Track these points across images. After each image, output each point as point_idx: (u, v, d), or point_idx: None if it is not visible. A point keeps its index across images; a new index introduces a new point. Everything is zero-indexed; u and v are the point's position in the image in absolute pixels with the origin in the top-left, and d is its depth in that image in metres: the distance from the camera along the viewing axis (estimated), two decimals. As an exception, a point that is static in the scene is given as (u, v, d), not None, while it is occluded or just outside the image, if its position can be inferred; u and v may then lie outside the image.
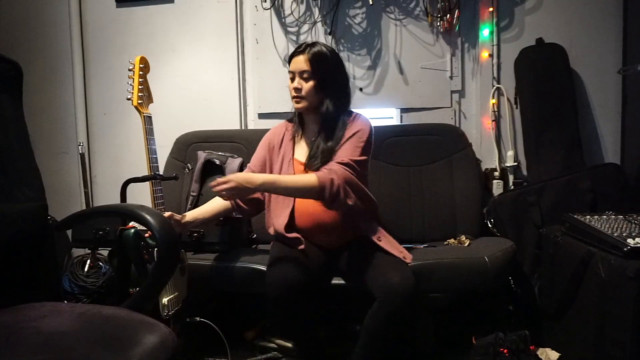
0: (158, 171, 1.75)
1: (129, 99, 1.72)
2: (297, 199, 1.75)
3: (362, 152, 1.70)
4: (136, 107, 1.72)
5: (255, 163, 1.88)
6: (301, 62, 1.72)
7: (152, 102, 1.81)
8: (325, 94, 1.75)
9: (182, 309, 1.70)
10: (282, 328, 1.74)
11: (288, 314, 1.62)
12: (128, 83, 1.74)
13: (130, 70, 1.75)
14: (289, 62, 1.78)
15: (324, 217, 1.72)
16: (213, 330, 1.76)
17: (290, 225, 1.77)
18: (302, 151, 1.81)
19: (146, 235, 1.53)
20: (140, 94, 1.73)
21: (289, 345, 1.82)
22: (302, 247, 1.70)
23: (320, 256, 1.76)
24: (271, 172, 1.84)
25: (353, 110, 1.85)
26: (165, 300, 1.60)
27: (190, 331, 1.74)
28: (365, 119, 1.79)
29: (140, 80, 1.74)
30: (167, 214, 1.66)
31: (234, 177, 1.55)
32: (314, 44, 1.76)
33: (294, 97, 1.75)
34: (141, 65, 1.76)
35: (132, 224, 1.55)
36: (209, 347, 1.91)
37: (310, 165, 1.73)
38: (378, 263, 1.62)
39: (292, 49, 2.56)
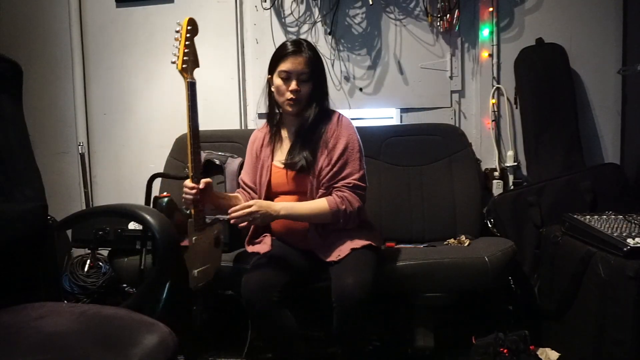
0: (198, 139, 1.61)
1: (173, 62, 1.59)
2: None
3: (360, 165, 1.71)
4: (180, 72, 1.60)
5: (247, 170, 1.84)
6: (300, 63, 1.66)
7: (198, 66, 1.65)
8: (316, 97, 1.71)
9: (213, 281, 1.66)
10: (265, 338, 1.70)
11: (266, 320, 1.56)
12: (174, 46, 1.60)
13: (177, 32, 1.62)
14: (282, 59, 1.69)
15: (295, 223, 1.70)
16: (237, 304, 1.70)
17: (265, 228, 1.79)
18: (281, 156, 1.77)
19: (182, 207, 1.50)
20: (185, 58, 1.59)
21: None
22: (266, 250, 1.69)
23: (303, 259, 1.73)
24: (260, 178, 1.79)
25: (342, 109, 1.83)
26: (195, 272, 1.55)
27: (219, 305, 1.70)
28: (349, 121, 1.75)
29: (186, 43, 1.60)
30: (204, 180, 1.60)
31: (255, 203, 1.56)
32: (308, 43, 1.71)
33: (290, 100, 1.68)
34: (189, 27, 1.61)
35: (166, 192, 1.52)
36: (233, 323, 1.91)
37: (292, 166, 1.70)
38: (338, 267, 1.59)
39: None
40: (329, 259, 1.63)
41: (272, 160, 1.78)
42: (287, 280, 1.59)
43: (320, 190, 1.68)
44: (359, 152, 1.71)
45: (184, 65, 1.59)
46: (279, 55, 1.72)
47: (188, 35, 1.61)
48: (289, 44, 1.72)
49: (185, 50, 1.59)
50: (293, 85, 1.67)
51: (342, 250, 1.63)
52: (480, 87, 2.47)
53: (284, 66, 1.68)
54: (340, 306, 1.49)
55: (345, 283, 1.49)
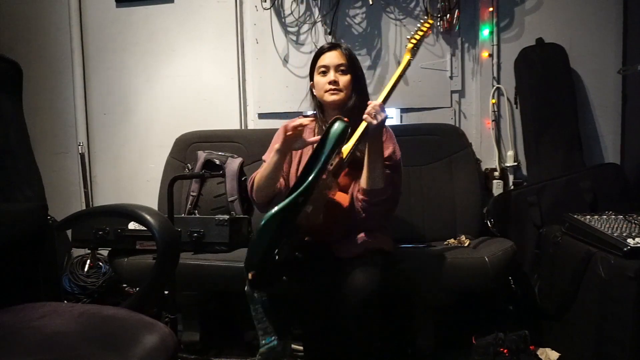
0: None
1: (408, 38, 1.70)
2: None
3: (399, 179, 1.72)
4: (409, 50, 1.69)
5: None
6: (337, 56, 1.73)
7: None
8: (356, 91, 1.75)
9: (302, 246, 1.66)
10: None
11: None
12: (417, 26, 1.71)
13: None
14: (318, 58, 1.77)
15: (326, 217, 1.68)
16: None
17: None
18: None
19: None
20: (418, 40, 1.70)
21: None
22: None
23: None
24: (288, 169, 1.77)
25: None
26: (310, 207, 1.53)
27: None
28: (392, 131, 1.82)
29: (427, 26, 1.71)
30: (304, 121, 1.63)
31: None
32: (346, 45, 1.80)
33: (330, 90, 1.72)
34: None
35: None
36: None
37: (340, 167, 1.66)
38: (347, 264, 1.59)
39: (292, 49, 2.59)
40: (340, 255, 1.64)
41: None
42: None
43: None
44: (399, 165, 1.74)
45: (414, 47, 1.68)
46: (316, 55, 1.78)
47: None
48: (325, 44, 1.80)
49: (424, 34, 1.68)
50: (330, 75, 1.72)
51: (355, 249, 1.63)
52: (480, 87, 2.47)
53: (322, 62, 1.75)
54: (343, 303, 1.50)
55: (352, 278, 1.51)
